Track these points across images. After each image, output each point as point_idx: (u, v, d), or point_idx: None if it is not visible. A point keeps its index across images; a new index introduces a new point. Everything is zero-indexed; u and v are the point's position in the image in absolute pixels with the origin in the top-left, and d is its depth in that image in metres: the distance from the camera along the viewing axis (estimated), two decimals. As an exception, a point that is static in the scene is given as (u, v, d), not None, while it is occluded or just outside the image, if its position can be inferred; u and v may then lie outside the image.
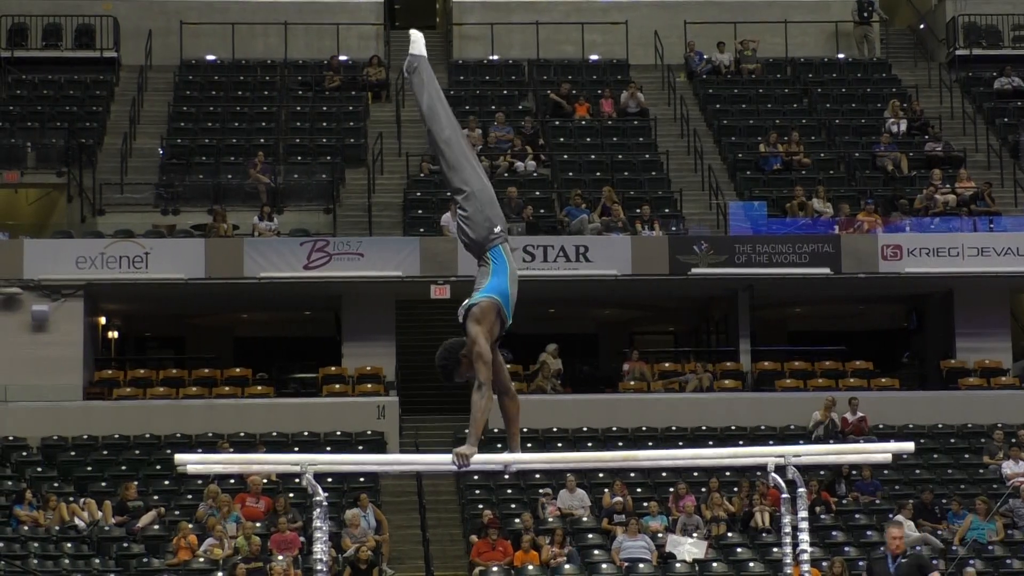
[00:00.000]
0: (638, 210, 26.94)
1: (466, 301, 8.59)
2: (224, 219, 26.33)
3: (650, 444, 24.07)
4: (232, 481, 22.49)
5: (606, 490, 22.76)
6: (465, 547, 22.06)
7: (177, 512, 22.23)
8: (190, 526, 21.17)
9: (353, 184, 28.64)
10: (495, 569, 20.75)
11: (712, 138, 30.46)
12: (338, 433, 24.57)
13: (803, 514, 8.97)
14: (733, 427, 25.03)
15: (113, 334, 28.24)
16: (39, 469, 23.61)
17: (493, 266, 8.59)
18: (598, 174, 28.96)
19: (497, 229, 8.64)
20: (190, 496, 22.73)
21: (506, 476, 23.23)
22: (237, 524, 21.27)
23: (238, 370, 26.29)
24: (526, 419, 24.26)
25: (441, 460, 8.96)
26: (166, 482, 23.26)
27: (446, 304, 27.44)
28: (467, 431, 8.52)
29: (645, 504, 22.37)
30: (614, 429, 24.95)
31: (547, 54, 32.96)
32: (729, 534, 21.91)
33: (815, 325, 29.54)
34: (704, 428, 24.96)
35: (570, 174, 29.03)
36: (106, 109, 30.67)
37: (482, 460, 8.64)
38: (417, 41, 8.99)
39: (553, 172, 29.23)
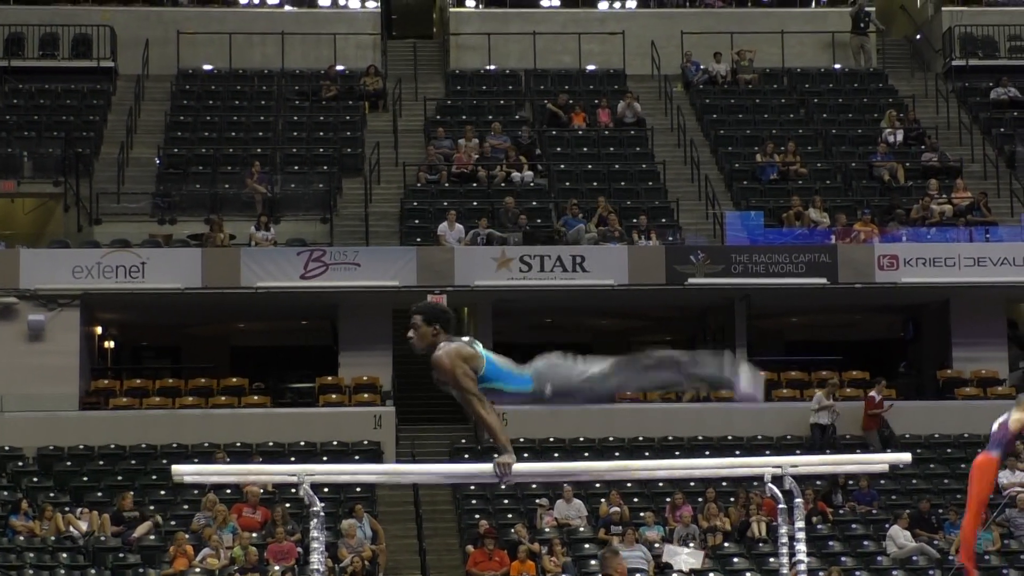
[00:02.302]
0: (635, 220, 26.95)
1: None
2: (221, 229, 26.32)
3: (647, 454, 24.07)
4: (229, 491, 22.47)
5: (603, 500, 22.75)
6: (462, 557, 22.03)
7: (173, 522, 22.20)
8: (186, 536, 21.13)
9: (350, 194, 28.63)
10: (491, 579, 20.74)
11: (709, 148, 30.48)
12: (335, 443, 24.55)
13: (800, 524, 8.97)
14: (730, 437, 25.03)
15: (109, 344, 28.22)
16: (35, 479, 23.57)
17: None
18: (595, 184, 28.96)
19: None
20: (186, 506, 22.71)
21: (503, 486, 23.22)
22: (234, 534, 21.25)
23: (235, 380, 26.25)
24: (522, 429, 24.47)
25: (436, 470, 8.99)
26: (162, 492, 23.23)
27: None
28: (491, 442, 8.54)
29: (642, 514, 22.37)
30: (611, 439, 24.94)
31: (544, 64, 32.98)
32: (726, 544, 21.90)
33: (812, 335, 29.54)
34: (701, 438, 24.95)
35: (567, 184, 29.05)
36: (103, 119, 30.66)
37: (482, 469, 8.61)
38: None
39: (550, 182, 29.24)
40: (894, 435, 24.90)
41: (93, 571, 20.89)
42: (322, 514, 8.52)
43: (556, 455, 23.96)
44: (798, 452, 22.82)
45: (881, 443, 24.70)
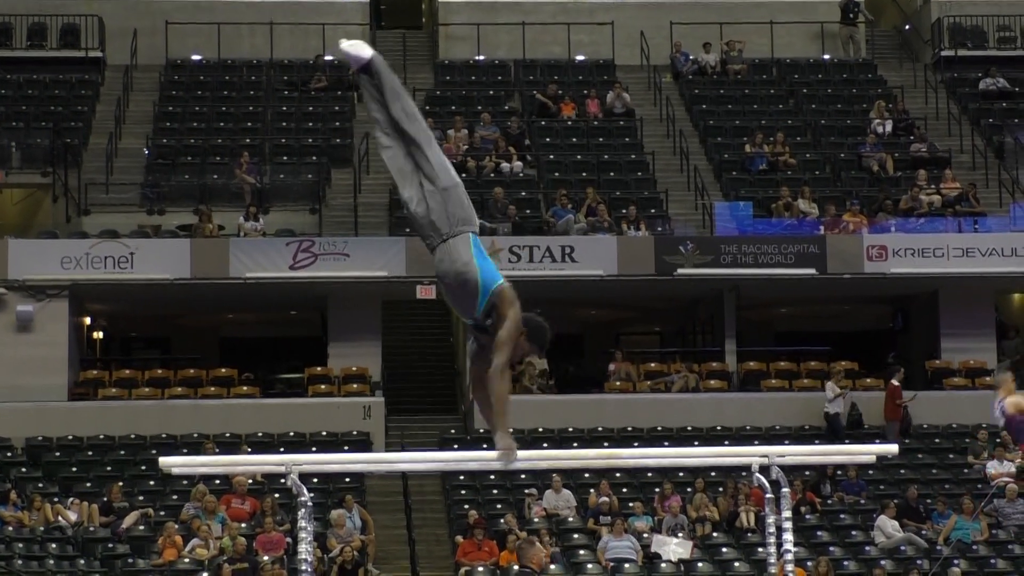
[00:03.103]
0: (624, 210, 26.96)
1: (480, 275, 8.33)
2: (210, 219, 26.29)
3: (636, 444, 24.06)
4: (218, 482, 22.47)
5: (592, 490, 22.77)
6: (451, 547, 22.05)
7: (162, 513, 22.20)
8: (175, 527, 21.14)
9: (339, 184, 28.61)
10: (480, 569, 20.75)
11: (698, 138, 30.49)
12: (324, 433, 24.55)
13: (787, 514, 8.98)
14: (719, 427, 25.05)
15: (98, 334, 28.19)
16: (24, 470, 23.55)
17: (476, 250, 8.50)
18: (584, 174, 28.97)
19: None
20: (175, 497, 22.70)
21: (491, 477, 23.24)
22: (222, 525, 21.25)
23: (224, 370, 26.25)
24: (512, 419, 24.38)
25: (427, 458, 8.99)
26: (151, 483, 23.22)
27: (432, 304, 27.48)
28: (495, 422, 8.36)
29: (631, 504, 22.39)
30: (600, 429, 24.96)
31: (533, 54, 32.96)
32: (714, 534, 21.94)
33: (801, 325, 29.57)
34: (690, 428, 24.97)
35: (556, 174, 29.04)
36: (91, 109, 30.61)
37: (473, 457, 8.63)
38: (355, 44, 8.59)
39: (539, 172, 29.24)
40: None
41: (82, 562, 20.88)
42: (310, 504, 8.51)
43: (545, 445, 23.96)
44: (787, 442, 22.86)
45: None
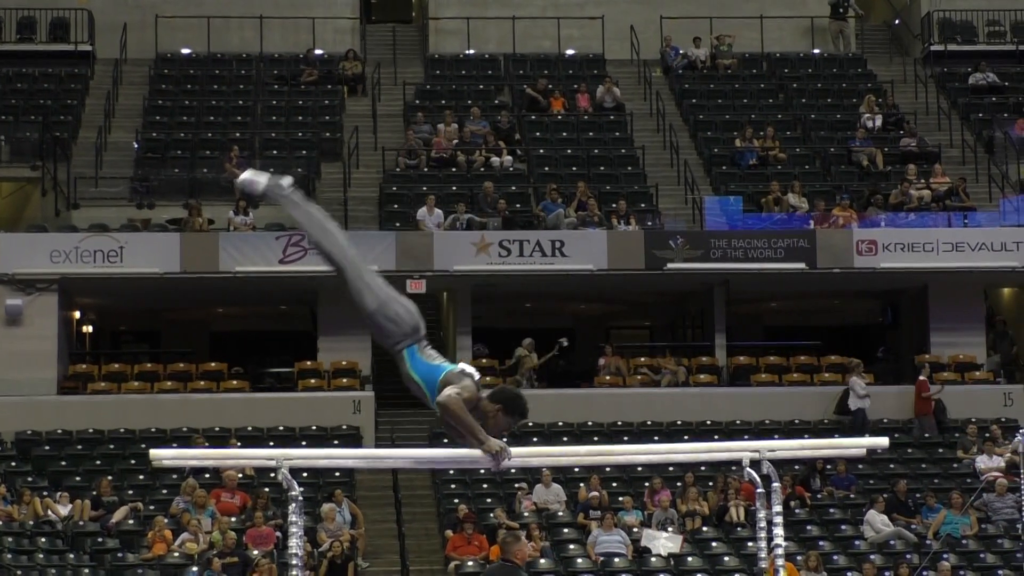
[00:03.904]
0: (614, 205, 26.96)
1: (423, 381, 8.46)
2: (199, 213, 26.27)
3: (626, 439, 24.11)
4: (208, 476, 22.46)
5: (582, 485, 22.78)
6: (441, 542, 22.06)
7: (152, 507, 22.18)
8: (165, 521, 21.12)
9: (329, 178, 28.59)
10: (470, 563, 20.76)
11: (688, 133, 30.50)
12: (314, 428, 24.55)
13: (777, 508, 8.99)
14: (709, 422, 25.06)
15: (88, 328, 28.16)
16: (13, 464, 23.52)
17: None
18: (574, 169, 28.98)
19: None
20: (165, 491, 22.68)
21: (481, 471, 23.22)
22: (212, 519, 21.23)
23: (213, 364, 26.22)
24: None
25: (415, 455, 8.97)
26: (141, 477, 23.21)
27: (422, 298, 27.44)
28: (471, 436, 8.42)
29: (621, 499, 22.39)
30: (590, 424, 24.97)
31: (523, 49, 32.95)
32: (704, 529, 21.95)
33: (791, 320, 29.60)
34: (680, 423, 24.98)
35: (546, 169, 29.04)
36: (81, 103, 30.57)
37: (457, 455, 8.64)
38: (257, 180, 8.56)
39: (529, 167, 29.24)
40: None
41: (72, 556, 20.86)
42: (300, 499, 8.51)
43: (535, 439, 23.97)
44: (777, 437, 22.87)
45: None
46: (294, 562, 8.50)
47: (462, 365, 8.47)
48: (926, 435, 25.08)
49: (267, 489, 22.02)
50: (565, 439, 24.24)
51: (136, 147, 29.15)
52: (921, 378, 25.23)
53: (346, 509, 21.71)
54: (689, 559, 21.16)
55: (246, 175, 8.63)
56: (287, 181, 8.63)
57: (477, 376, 8.49)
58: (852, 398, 24.95)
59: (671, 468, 23.06)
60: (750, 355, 27.00)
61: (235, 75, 32.04)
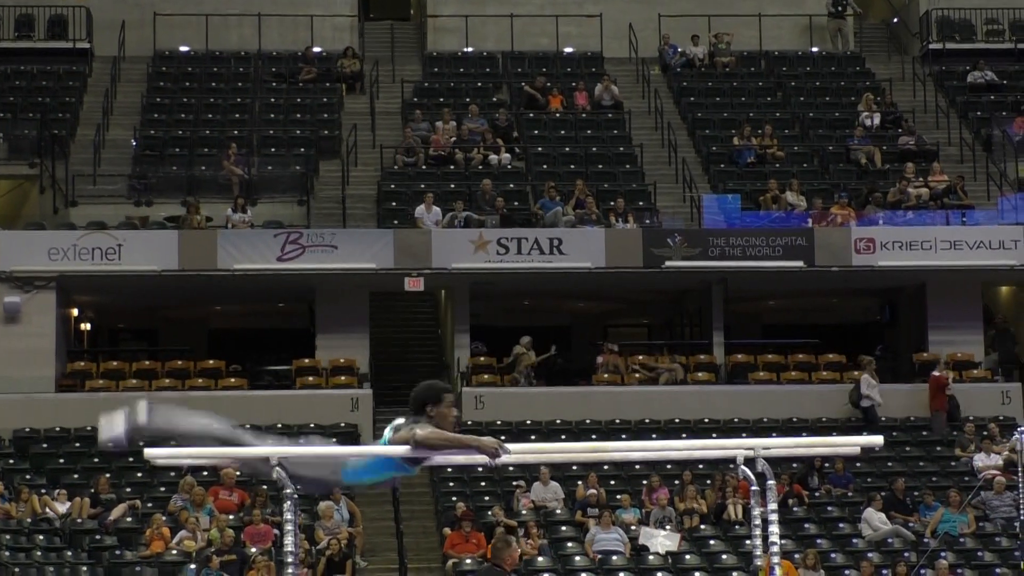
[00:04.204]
0: (612, 203, 26.96)
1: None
2: (197, 211, 26.27)
3: (623, 436, 24.10)
4: (206, 473, 22.46)
5: (579, 483, 22.78)
6: (439, 539, 22.06)
7: (150, 504, 22.18)
8: (163, 519, 21.13)
9: (327, 176, 28.59)
10: (468, 561, 20.77)
11: (686, 131, 30.50)
12: (312, 425, 24.53)
13: (773, 506, 8.99)
14: (706, 420, 25.05)
15: (86, 326, 28.14)
16: (11, 461, 23.52)
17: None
18: (572, 167, 28.97)
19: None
20: (163, 488, 22.69)
21: (479, 469, 23.22)
22: (210, 517, 21.24)
23: (211, 362, 26.22)
24: (498, 412, 24.49)
25: (413, 452, 8.94)
26: (139, 474, 23.21)
27: (420, 296, 27.49)
28: (464, 448, 8.44)
29: (618, 497, 22.40)
30: (587, 421, 24.97)
31: (521, 47, 32.95)
32: (702, 526, 21.95)
33: (789, 318, 29.59)
34: (677, 421, 24.98)
35: (544, 167, 29.04)
36: (79, 100, 30.56)
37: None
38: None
39: (527, 165, 29.23)
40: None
41: (70, 553, 20.86)
42: (296, 496, 8.50)
43: (533, 437, 23.99)
44: (774, 435, 22.87)
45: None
46: (289, 560, 8.50)
47: (388, 428, 8.50)
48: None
49: (265, 487, 22.01)
50: (563, 437, 24.25)
51: (134, 145, 29.15)
52: (936, 373, 25.19)
53: (344, 507, 21.71)
54: (687, 557, 21.17)
55: (102, 435, 8.48)
56: (142, 405, 8.45)
57: (401, 420, 8.53)
58: (862, 395, 24.96)
59: (669, 466, 23.07)
60: (748, 353, 27.00)
61: (233, 73, 32.04)
